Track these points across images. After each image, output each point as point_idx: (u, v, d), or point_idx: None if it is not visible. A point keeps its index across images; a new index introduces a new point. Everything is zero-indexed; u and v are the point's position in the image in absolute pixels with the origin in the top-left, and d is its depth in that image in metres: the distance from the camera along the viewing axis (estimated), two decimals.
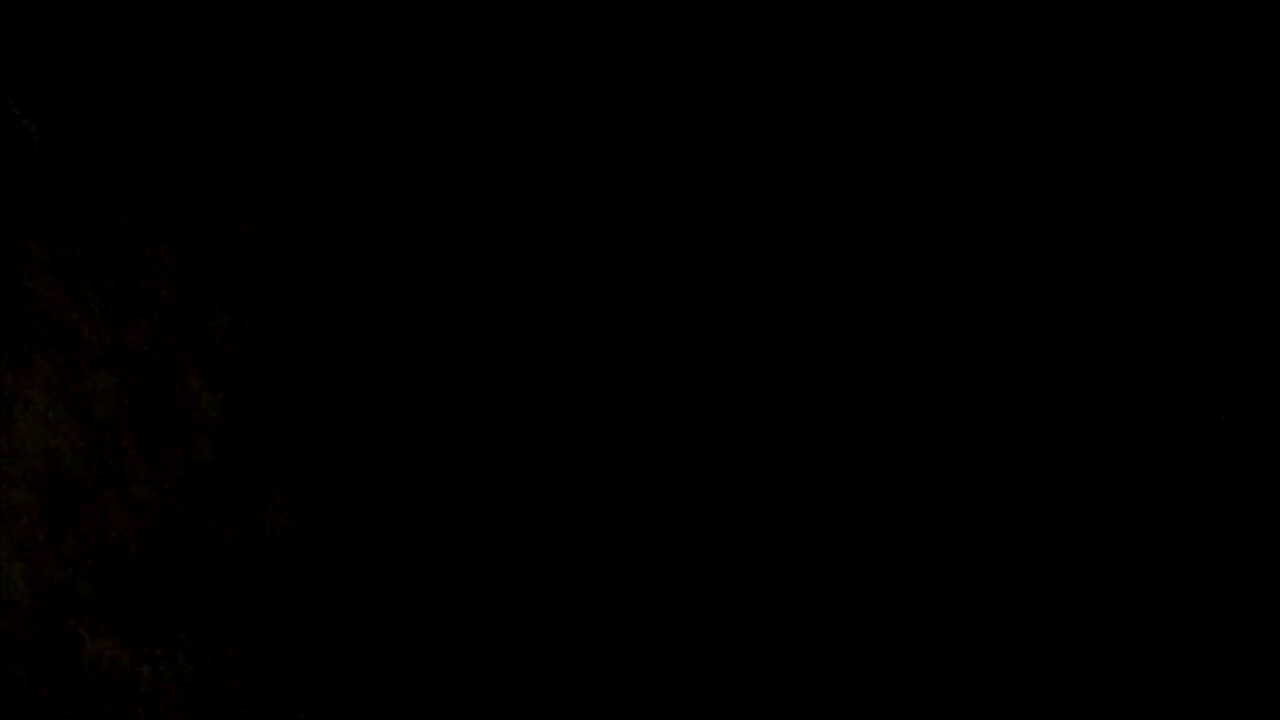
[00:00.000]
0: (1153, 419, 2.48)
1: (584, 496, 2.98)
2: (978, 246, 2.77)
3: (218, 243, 2.54)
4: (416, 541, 3.21)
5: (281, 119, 3.09)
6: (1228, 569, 2.34)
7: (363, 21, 3.50)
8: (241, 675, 2.05)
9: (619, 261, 3.30)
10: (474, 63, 3.72)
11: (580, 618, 2.72)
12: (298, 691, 2.15)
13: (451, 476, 3.33)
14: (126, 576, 1.89)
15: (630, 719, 2.55)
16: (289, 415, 2.60)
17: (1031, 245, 2.72)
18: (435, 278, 3.71)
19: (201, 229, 2.48)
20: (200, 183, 2.63)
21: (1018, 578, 2.43)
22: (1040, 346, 2.69)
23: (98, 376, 1.95)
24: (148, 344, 2.13)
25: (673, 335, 3.00)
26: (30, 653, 1.69)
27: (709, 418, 2.82)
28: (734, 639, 2.56)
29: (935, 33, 2.79)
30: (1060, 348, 2.70)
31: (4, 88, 2.08)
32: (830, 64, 2.85)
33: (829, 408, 2.63)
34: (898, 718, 2.46)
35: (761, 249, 2.85)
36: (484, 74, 3.60)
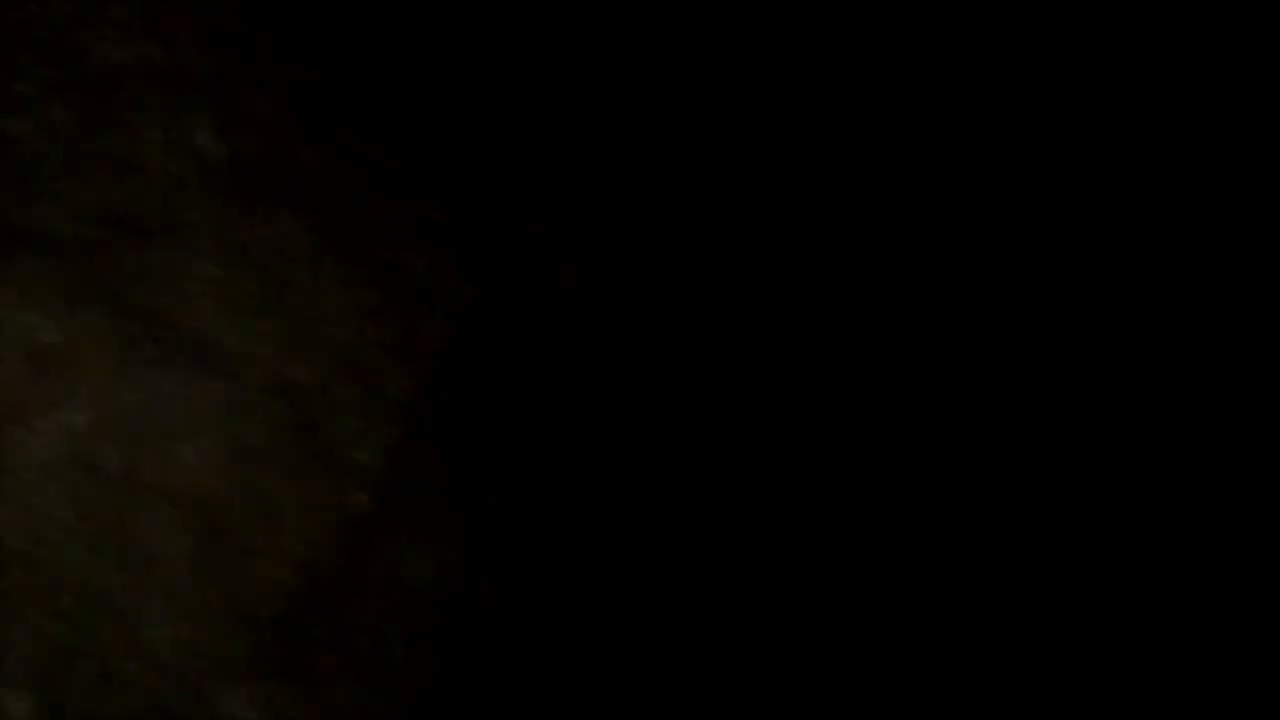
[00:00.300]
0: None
1: (732, 545, 2.83)
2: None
3: (386, 284, 2.41)
4: (563, 604, 3.01)
5: (452, 169, 2.98)
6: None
7: (539, 84, 3.39)
8: None
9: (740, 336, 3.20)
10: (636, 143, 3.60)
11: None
12: None
13: (597, 534, 3.13)
14: (271, 633, 1.72)
15: None
16: (440, 465, 2.44)
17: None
18: (588, 335, 3.54)
19: (372, 270, 2.36)
20: (372, 224, 2.51)
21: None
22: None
23: (261, 411, 1.80)
24: (312, 382, 1.98)
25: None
26: (170, 711, 1.52)
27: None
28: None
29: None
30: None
31: (189, 106, 1.98)
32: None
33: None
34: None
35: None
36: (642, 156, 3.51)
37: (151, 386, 1.57)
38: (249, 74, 2.15)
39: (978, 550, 2.49)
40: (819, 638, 2.55)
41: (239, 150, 2.09)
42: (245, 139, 2.12)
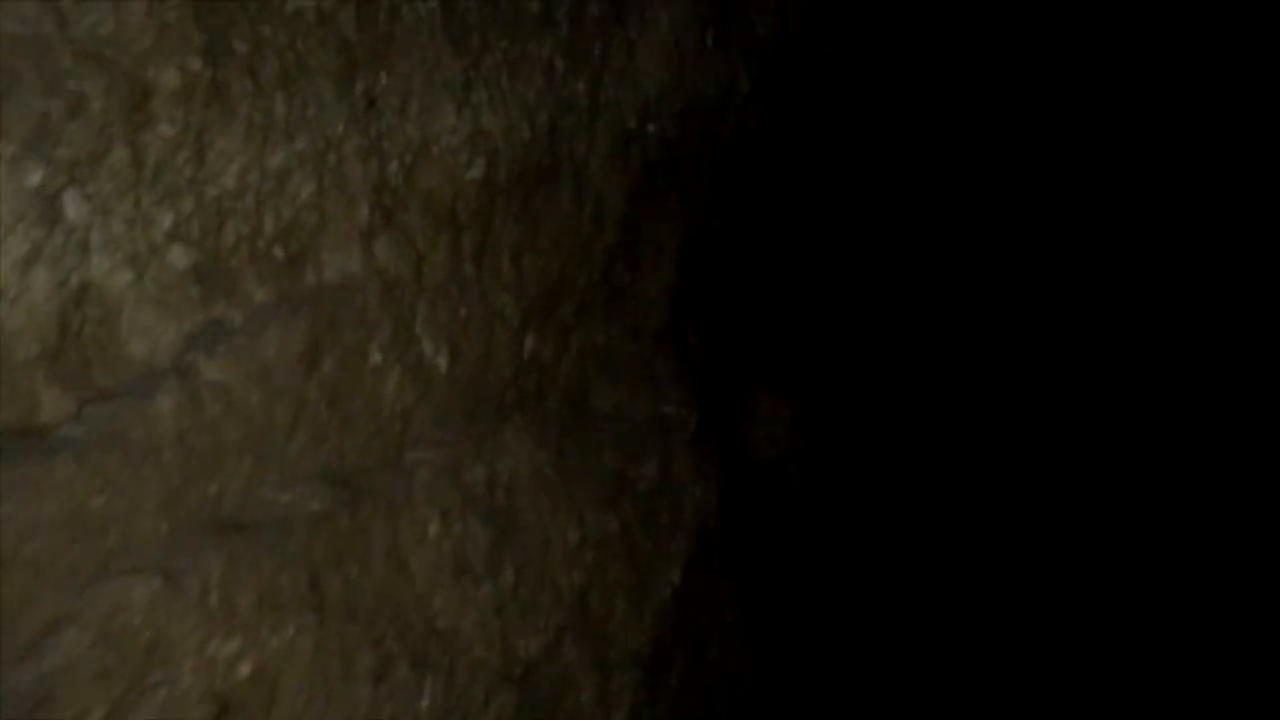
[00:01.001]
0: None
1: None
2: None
3: (619, 502, 2.01)
4: None
5: (683, 353, 2.59)
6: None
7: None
8: None
9: None
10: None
11: None
12: None
13: None
14: None
15: None
16: None
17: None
18: (819, 543, 3.09)
19: (603, 486, 1.96)
20: (601, 425, 2.13)
21: None
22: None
23: (485, 712, 1.39)
24: (540, 653, 1.58)
25: None
26: None
27: None
28: None
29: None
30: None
31: (416, 313, 1.63)
32: None
33: None
34: None
35: None
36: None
37: (360, 712, 1.18)
38: (482, 265, 1.80)
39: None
40: None
41: (465, 354, 1.72)
42: (472, 339, 1.76)
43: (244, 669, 1.05)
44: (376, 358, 1.46)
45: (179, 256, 1.20)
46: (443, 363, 1.64)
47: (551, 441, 1.86)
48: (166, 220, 1.18)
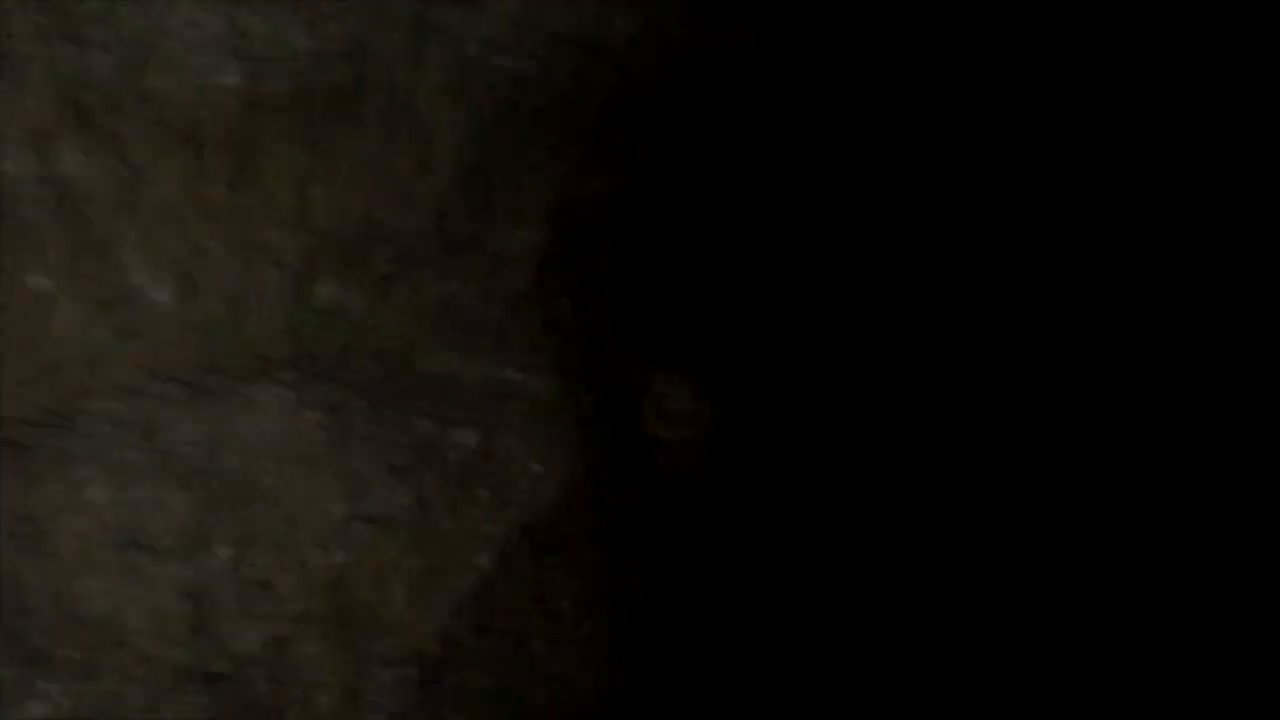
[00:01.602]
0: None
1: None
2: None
3: (415, 474, 1.71)
4: None
5: (556, 313, 2.30)
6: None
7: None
8: None
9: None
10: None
11: None
12: None
13: None
14: None
15: None
16: None
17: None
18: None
19: (398, 455, 1.66)
20: (415, 398, 1.84)
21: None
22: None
23: (154, 716, 1.11)
24: (266, 649, 1.28)
25: None
26: None
27: None
28: None
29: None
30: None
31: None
32: None
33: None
34: None
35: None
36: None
37: None
38: (239, 191, 1.51)
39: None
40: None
41: (206, 293, 1.43)
42: (221, 277, 1.47)
43: None
44: (42, 283, 1.17)
45: None
46: (166, 299, 1.35)
47: (328, 401, 1.56)
48: None
